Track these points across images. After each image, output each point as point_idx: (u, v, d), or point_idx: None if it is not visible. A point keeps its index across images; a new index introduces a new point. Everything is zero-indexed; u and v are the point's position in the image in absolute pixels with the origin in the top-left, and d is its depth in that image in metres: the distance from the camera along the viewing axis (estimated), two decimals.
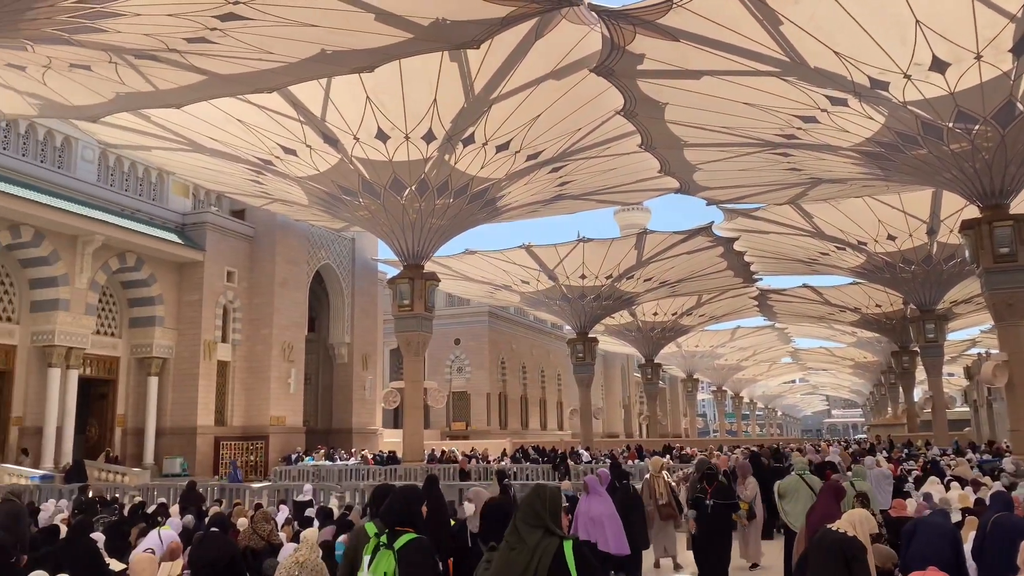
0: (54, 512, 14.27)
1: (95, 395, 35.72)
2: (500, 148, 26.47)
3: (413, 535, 4.98)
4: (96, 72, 20.03)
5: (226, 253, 38.81)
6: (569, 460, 31.95)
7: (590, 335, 47.89)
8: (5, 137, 31.28)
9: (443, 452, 38.97)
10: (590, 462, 33.01)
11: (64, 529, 10.52)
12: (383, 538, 4.97)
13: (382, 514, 5.25)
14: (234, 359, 38.77)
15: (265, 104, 23.29)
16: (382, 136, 25.69)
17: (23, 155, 31.86)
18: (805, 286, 49.80)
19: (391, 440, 45.88)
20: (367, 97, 23.53)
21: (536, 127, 25.02)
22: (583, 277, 42.57)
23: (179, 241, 36.70)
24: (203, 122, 24.66)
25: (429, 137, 25.69)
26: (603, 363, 78.11)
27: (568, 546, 4.38)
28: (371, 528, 5.26)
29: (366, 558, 4.99)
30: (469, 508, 6.96)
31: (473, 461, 33.12)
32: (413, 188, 28.66)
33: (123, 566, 8.95)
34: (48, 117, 26.40)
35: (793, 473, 11.72)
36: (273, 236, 40.22)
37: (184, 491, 17.14)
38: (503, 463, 32.34)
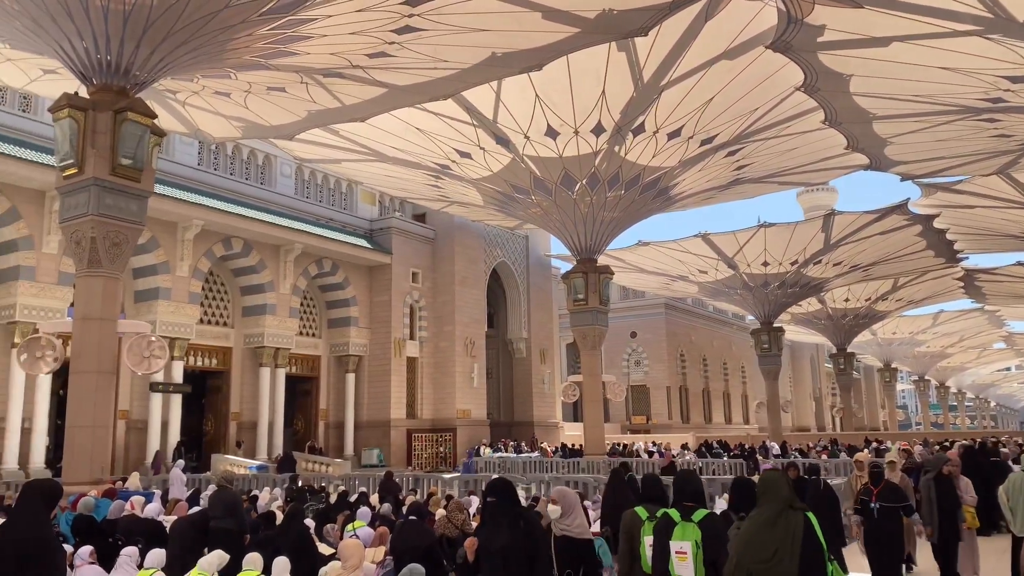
0: (269, 500, 15.58)
1: (300, 391, 38.74)
2: (672, 135, 25.92)
3: (706, 510, 5.91)
4: (290, 93, 21.69)
5: (410, 255, 40.78)
6: (758, 455, 30.76)
7: (775, 324, 45.86)
8: (215, 159, 34.60)
9: (624, 446, 38.79)
10: (779, 456, 31.62)
11: (279, 515, 11.47)
12: (675, 514, 5.83)
13: (675, 494, 6.16)
14: (421, 355, 40.67)
15: (441, 111, 24.19)
16: (552, 133, 25.93)
17: (231, 174, 35.10)
18: (1020, 263, 44.87)
19: (572, 433, 46.29)
20: (536, 95, 23.83)
21: (709, 111, 24.26)
22: (765, 264, 40.81)
23: (368, 246, 38.99)
24: (385, 132, 26.01)
25: (598, 130, 25.62)
26: (790, 353, 74.54)
27: (812, 517, 5.09)
28: (641, 512, 6.32)
29: (646, 538, 6.07)
30: (555, 511, 7.00)
31: (656, 455, 32.69)
32: (584, 182, 28.71)
33: (332, 551, 9.63)
34: (250, 138, 28.88)
35: (1018, 470, 10.56)
36: (452, 237, 41.77)
37: (382, 481, 18.19)
38: (686, 457, 31.68)
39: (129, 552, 8.08)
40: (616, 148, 26.63)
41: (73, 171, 15.80)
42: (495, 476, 19.68)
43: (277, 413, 34.58)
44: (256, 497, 15.13)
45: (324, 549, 9.71)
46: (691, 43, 20.36)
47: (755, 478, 13.77)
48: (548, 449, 36.94)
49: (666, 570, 5.69)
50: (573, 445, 38.00)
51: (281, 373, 35.01)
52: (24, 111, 27.69)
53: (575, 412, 53.60)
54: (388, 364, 38.70)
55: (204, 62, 17.73)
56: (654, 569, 5.91)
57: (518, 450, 37.35)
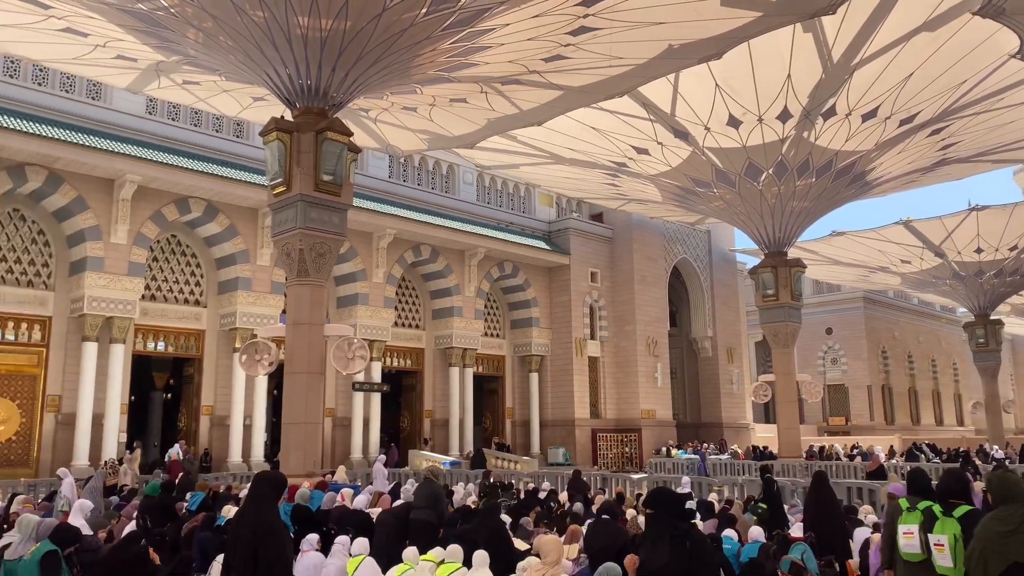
0: (464, 494, 16.18)
1: (487, 390, 39.98)
2: (866, 116, 24.22)
3: (968, 506, 6.04)
4: (471, 103, 22.45)
5: (588, 255, 40.90)
6: (975, 458, 28.04)
7: (992, 317, 41.60)
8: (404, 171, 36.49)
9: (821, 448, 36.73)
10: (1004, 460, 28.65)
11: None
12: (937, 508, 6.02)
13: (939, 490, 6.39)
14: (603, 355, 40.65)
15: (616, 108, 24.06)
16: (734, 122, 25.04)
17: (418, 184, 36.88)
18: None
19: (764, 435, 44.44)
20: (716, 85, 23.11)
21: (908, 88, 22.44)
22: (979, 251, 37.15)
23: (547, 247, 39.55)
24: (561, 134, 26.25)
25: (784, 116, 24.43)
26: (1011, 348, 67.42)
27: None
28: (903, 502, 6.56)
29: (901, 526, 6.30)
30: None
31: (858, 458, 30.67)
32: (770, 171, 27.49)
33: (527, 546, 9.83)
34: (435, 149, 30.17)
35: None
36: (630, 235, 41.43)
37: (571, 479, 18.37)
38: (892, 461, 29.44)
39: (342, 541, 8.67)
40: (805, 134, 25.29)
41: (282, 189, 17.23)
42: (684, 478, 19.31)
43: (467, 411, 35.89)
44: (453, 492, 15.75)
45: (518, 544, 9.92)
46: (885, 17, 18.94)
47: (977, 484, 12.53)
48: (740, 451, 35.67)
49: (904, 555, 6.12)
50: (764, 448, 36.45)
51: (469, 372, 36.31)
52: (238, 137, 30.56)
53: (767, 413, 51.43)
54: (570, 364, 39.01)
55: (393, 79, 18.74)
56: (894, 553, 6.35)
57: (706, 451, 36.36)
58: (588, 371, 39.84)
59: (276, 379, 27.57)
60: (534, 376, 39.45)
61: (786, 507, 14.09)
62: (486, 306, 38.47)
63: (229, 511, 11.45)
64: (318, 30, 15.99)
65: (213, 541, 9.80)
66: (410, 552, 8.19)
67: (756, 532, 9.49)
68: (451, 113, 23.30)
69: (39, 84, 25.85)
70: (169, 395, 32.70)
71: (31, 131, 23.56)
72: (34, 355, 25.43)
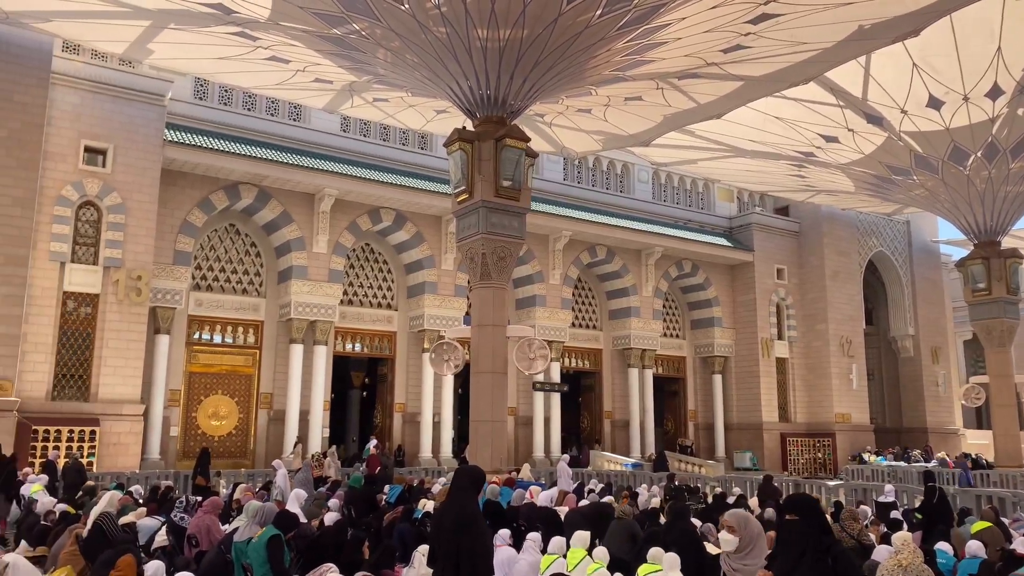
0: (648, 497, 16.03)
1: (668, 392, 39.32)
2: None
3: None
4: (646, 100, 22.21)
5: (773, 251, 39.18)
6: None
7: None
8: (579, 172, 36.71)
9: None
10: None
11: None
12: None
13: None
14: (792, 356, 38.79)
15: (801, 96, 22.88)
16: (935, 103, 23.09)
17: (593, 185, 36.96)
18: None
19: (976, 442, 40.59)
20: (913, 64, 21.42)
21: None
22: None
23: (728, 244, 38.31)
24: (741, 126, 25.33)
25: (994, 93, 22.22)
26: None
27: None
28: None
29: None
30: (729, 541, 5.34)
31: None
32: (978, 155, 25.09)
33: (717, 550, 9.59)
34: (610, 149, 30.12)
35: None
36: (819, 229, 39.26)
37: (761, 484, 17.70)
38: None
39: (533, 537, 8.88)
40: (1020, 111, 22.86)
41: (465, 196, 17.90)
42: (887, 486, 18.03)
43: (647, 412, 35.49)
44: (637, 494, 15.64)
45: (709, 548, 9.70)
46: None
47: None
48: (948, 459, 32.77)
49: None
50: (976, 456, 33.25)
51: (648, 374, 35.88)
52: (422, 149, 32.06)
53: (979, 418, 46.85)
54: (756, 365, 37.54)
55: (568, 83, 18.94)
56: None
57: (907, 458, 33.76)
58: (776, 373, 38.15)
59: (460, 378, 28.69)
60: (717, 378, 38.32)
61: (1007, 521, 12.82)
62: (664, 306, 37.86)
63: (425, 504, 12.06)
64: (496, 41, 16.47)
65: (412, 532, 10.36)
66: (600, 551, 8.22)
67: (975, 547, 8.70)
68: (626, 112, 23.18)
69: (248, 110, 28.44)
70: (365, 393, 34.85)
71: (243, 153, 26.00)
72: (249, 356, 28.02)
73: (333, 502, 12.60)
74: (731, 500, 15.66)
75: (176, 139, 25.00)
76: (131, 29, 19.81)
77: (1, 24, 21.00)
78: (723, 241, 38.39)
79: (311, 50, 19.16)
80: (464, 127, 18.40)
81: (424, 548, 8.15)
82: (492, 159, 17.64)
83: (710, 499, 16.43)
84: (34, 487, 14.22)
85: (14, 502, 14.64)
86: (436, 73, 17.90)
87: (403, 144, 31.63)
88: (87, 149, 23.32)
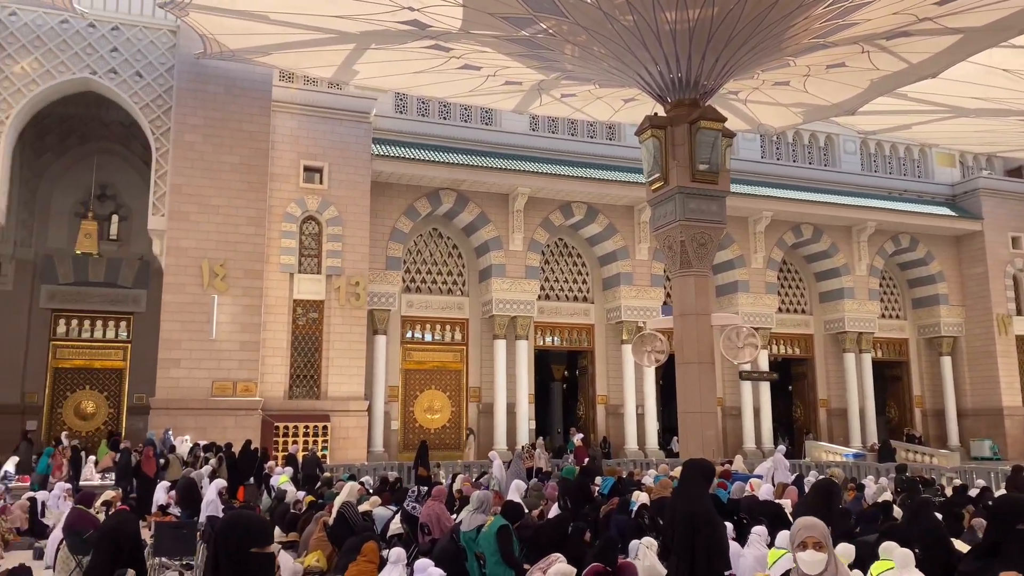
0: (877, 490, 14.98)
1: (889, 377, 36.51)
2: None
3: None
4: (850, 66, 20.72)
5: (1006, 218, 35.18)
6: None
7: None
8: (777, 148, 34.98)
9: None
10: None
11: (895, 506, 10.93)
12: None
13: None
14: None
15: None
16: None
17: (793, 161, 35.07)
18: None
19: None
20: None
21: None
22: None
23: (952, 214, 34.92)
24: (961, 83, 22.92)
25: None
26: None
27: None
28: None
29: None
30: (815, 562, 3.89)
31: None
32: None
33: (967, 547, 8.76)
34: (811, 121, 28.34)
35: None
36: None
37: (1010, 475, 15.98)
38: None
39: (759, 531, 8.58)
40: None
41: (659, 184, 17.62)
42: None
43: (867, 399, 33.16)
44: (863, 486, 14.69)
45: (958, 546, 8.89)
46: None
47: None
48: None
49: None
50: None
51: (866, 358, 33.50)
52: (610, 140, 31.98)
53: None
54: (992, 344, 33.91)
55: (763, 56, 18.09)
56: None
57: None
58: (1016, 352, 34.27)
59: (661, 369, 28.28)
60: (946, 360, 35.02)
61: None
62: (881, 285, 35.14)
63: (638, 496, 12.01)
64: (685, 22, 16.06)
65: (630, 524, 10.36)
66: (842, 550, 7.77)
67: None
68: (828, 80, 21.77)
69: (444, 118, 29.76)
70: (565, 385, 35.35)
71: (442, 161, 27.26)
72: (457, 352, 29.34)
73: (549, 493, 12.88)
74: (973, 492, 14.28)
75: (382, 153, 26.66)
76: (337, 53, 21.38)
77: (229, 62, 23.44)
78: (945, 211, 35.03)
79: (500, 54, 19.68)
80: (655, 113, 18.12)
81: (648, 540, 8.13)
82: (686, 143, 17.23)
83: (948, 491, 15.09)
84: (282, 478, 15.74)
85: (265, 492, 16.28)
86: (624, 62, 17.76)
87: (591, 137, 31.73)
88: (306, 168, 25.45)
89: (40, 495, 16.14)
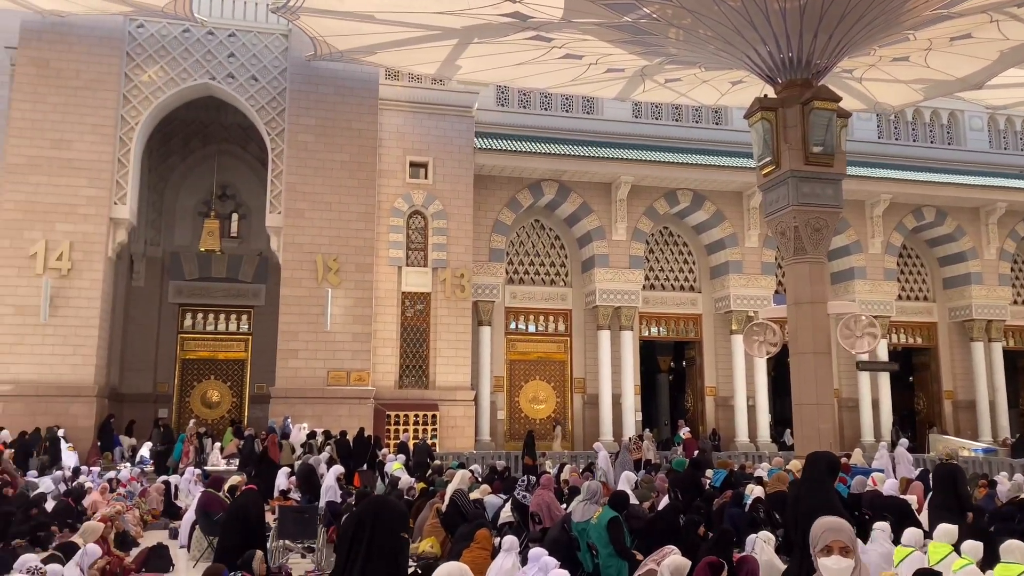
0: (1013, 487, 14.07)
1: (1022, 368, 34.16)
2: None
3: None
4: (976, 37, 19.45)
5: None
6: None
7: None
8: (895, 128, 33.22)
9: None
10: None
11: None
12: None
13: None
14: None
15: None
16: None
17: (913, 140, 33.24)
18: None
19: None
20: None
21: None
22: None
23: None
24: None
25: None
26: None
27: None
28: None
29: None
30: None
31: None
32: None
33: None
34: (933, 97, 26.76)
35: None
36: None
37: None
38: None
39: (882, 527, 8.21)
40: None
41: (770, 168, 17.04)
42: None
43: (997, 391, 31.12)
44: (995, 483, 13.84)
45: None
46: None
47: None
48: None
49: None
50: None
51: (996, 347, 31.43)
52: (717, 124, 31.17)
53: None
54: None
55: (880, 32, 17.22)
56: None
57: None
58: None
59: (774, 359, 27.41)
60: None
61: None
62: (1012, 270, 32.87)
63: (752, 490, 11.72)
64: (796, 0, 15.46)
65: (743, 517, 10.12)
66: (968, 547, 7.35)
67: None
68: (952, 53, 20.52)
69: (545, 109, 29.75)
70: (672, 377, 34.79)
71: (543, 152, 27.28)
72: (561, 343, 29.35)
73: (659, 485, 12.74)
74: None
75: (484, 146, 26.91)
76: (441, 49, 21.71)
77: (338, 63, 24.19)
78: None
79: (603, 41, 19.50)
80: (765, 95, 17.54)
81: (764, 535, 7.92)
82: (799, 125, 16.60)
83: None
84: (395, 465, 16.20)
85: (379, 478, 16.80)
86: (731, 43, 17.26)
87: (696, 122, 31.03)
88: (411, 164, 26.00)
89: (172, 479, 17.22)
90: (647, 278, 29.58)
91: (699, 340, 30.46)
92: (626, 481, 11.70)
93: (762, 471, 14.97)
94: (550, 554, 7.25)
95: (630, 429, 27.19)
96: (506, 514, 10.62)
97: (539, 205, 28.89)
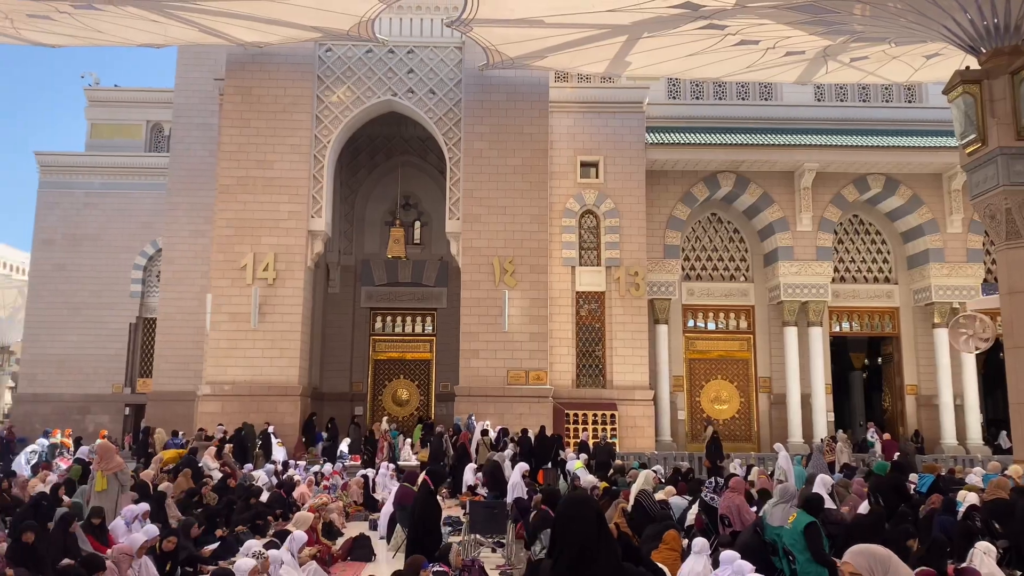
0: None
1: None
2: None
3: None
4: None
5: None
6: None
7: None
8: None
9: None
10: None
11: None
12: None
13: None
14: None
15: None
16: None
17: None
18: None
19: None
20: None
21: None
22: None
23: None
24: None
25: None
26: None
27: None
28: None
29: None
30: None
31: None
32: None
33: None
34: None
35: None
36: None
37: None
38: None
39: None
40: None
41: (976, 146, 15.57)
42: None
43: None
44: None
45: None
46: None
47: None
48: None
49: None
50: None
51: None
52: (909, 103, 28.93)
53: None
54: None
55: None
56: None
57: None
58: None
59: (985, 354, 25.04)
60: None
61: None
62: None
63: (965, 496, 10.80)
64: None
65: (955, 526, 9.32)
66: None
67: None
68: None
69: (719, 98, 28.90)
70: (866, 375, 32.64)
71: (719, 142, 26.49)
72: (743, 341, 28.35)
73: (856, 489, 12.00)
74: None
75: (656, 140, 26.53)
76: (610, 48, 21.67)
77: (508, 70, 24.76)
78: None
79: (780, 24, 18.65)
80: (966, 67, 16.06)
81: (984, 545, 7.26)
82: (1007, 97, 15.04)
83: None
84: (577, 463, 16.34)
85: (560, 476, 17.01)
86: (925, 14, 15.94)
87: (886, 101, 28.99)
88: (582, 164, 26.15)
89: (370, 472, 18.33)
90: (836, 270, 27.96)
91: (896, 335, 28.37)
92: (821, 484, 11.08)
93: (975, 476, 13.74)
94: (743, 558, 7.04)
95: (821, 430, 25.79)
96: (693, 516, 10.41)
97: (716, 198, 28.08)
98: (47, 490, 12.35)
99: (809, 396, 26.56)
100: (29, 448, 21.25)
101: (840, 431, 24.27)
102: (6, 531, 9.75)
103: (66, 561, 7.27)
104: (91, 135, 32.22)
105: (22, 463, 19.23)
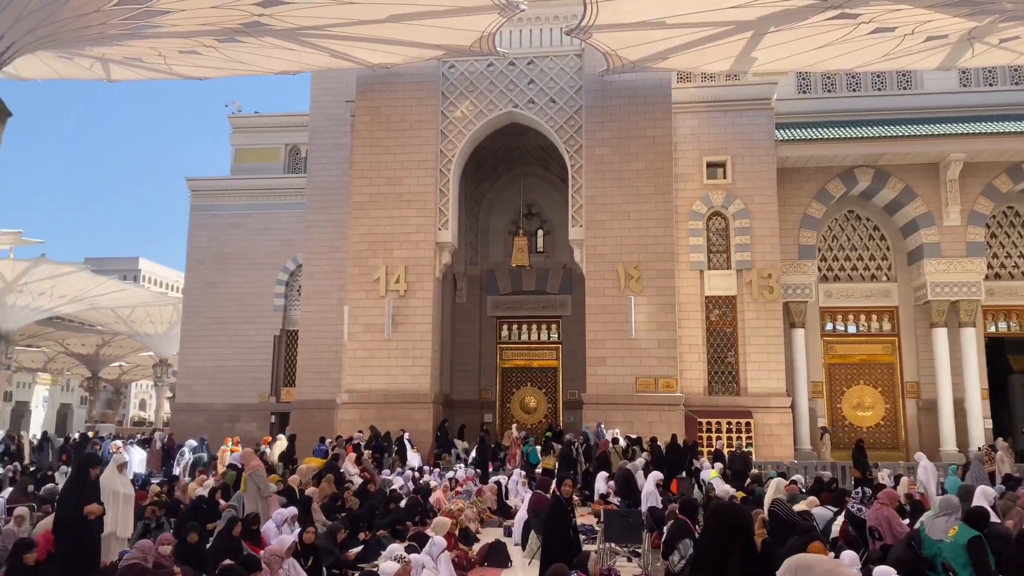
0: None
1: None
2: None
3: None
4: None
5: None
6: None
7: None
8: None
9: None
10: None
11: None
12: None
13: None
14: None
15: None
16: None
17: None
18: None
19: None
20: None
21: None
22: None
23: None
24: None
25: None
26: None
27: None
28: None
29: None
30: None
31: None
32: None
33: None
34: None
35: None
36: None
37: None
38: None
39: None
40: None
41: None
42: None
43: None
44: None
45: None
46: None
47: None
48: None
49: None
50: None
51: None
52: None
53: None
54: None
55: None
56: None
57: None
58: None
59: None
60: None
61: None
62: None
63: None
64: None
65: None
66: None
67: None
68: None
69: (853, 90, 27.60)
70: None
71: (854, 136, 25.22)
72: (887, 344, 26.82)
73: (1021, 501, 11.07)
74: None
75: (786, 137, 25.57)
76: (734, 44, 21.08)
77: (629, 74, 24.55)
78: None
79: (919, 8, 17.60)
80: None
81: None
82: None
83: None
84: (712, 473, 15.93)
85: (694, 485, 16.61)
86: None
87: None
88: (708, 165, 25.54)
89: (502, 479, 18.55)
90: (990, 267, 26.04)
91: None
92: (983, 496, 10.27)
93: None
94: (899, 574, 6.63)
95: (978, 438, 23.98)
96: (838, 528, 9.91)
97: (852, 194, 26.76)
98: (205, 494, 13.26)
99: (962, 401, 24.77)
100: (187, 453, 22.91)
101: (1000, 439, 22.45)
102: (171, 531, 10.51)
103: (227, 561, 7.76)
104: (235, 159, 34.42)
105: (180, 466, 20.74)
